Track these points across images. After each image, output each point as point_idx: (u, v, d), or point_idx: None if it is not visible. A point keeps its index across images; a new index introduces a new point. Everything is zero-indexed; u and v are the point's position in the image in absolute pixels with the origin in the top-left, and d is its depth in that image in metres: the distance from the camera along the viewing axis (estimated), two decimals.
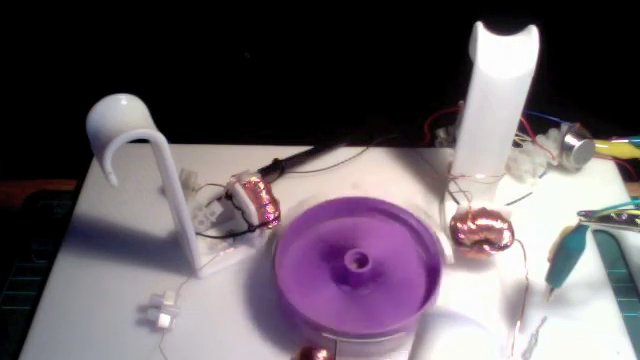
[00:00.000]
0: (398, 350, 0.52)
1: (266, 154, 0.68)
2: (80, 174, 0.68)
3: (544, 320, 0.55)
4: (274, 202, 0.58)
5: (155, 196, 0.65)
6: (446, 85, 0.66)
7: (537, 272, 0.53)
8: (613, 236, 0.65)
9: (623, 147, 0.69)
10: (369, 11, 0.72)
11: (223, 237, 0.60)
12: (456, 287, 0.57)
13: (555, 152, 0.67)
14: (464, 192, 0.59)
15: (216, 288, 0.57)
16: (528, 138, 0.67)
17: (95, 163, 0.68)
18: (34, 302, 0.57)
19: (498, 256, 0.58)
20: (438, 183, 0.67)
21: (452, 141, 0.67)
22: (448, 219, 0.59)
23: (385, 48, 0.75)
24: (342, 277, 0.55)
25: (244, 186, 0.58)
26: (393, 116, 0.75)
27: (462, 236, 0.56)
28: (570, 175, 0.69)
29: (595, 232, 0.64)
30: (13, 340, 0.55)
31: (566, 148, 0.66)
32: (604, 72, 0.74)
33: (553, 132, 0.68)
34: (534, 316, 0.55)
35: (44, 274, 0.59)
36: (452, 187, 0.61)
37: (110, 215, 0.63)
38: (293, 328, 0.53)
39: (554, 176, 0.68)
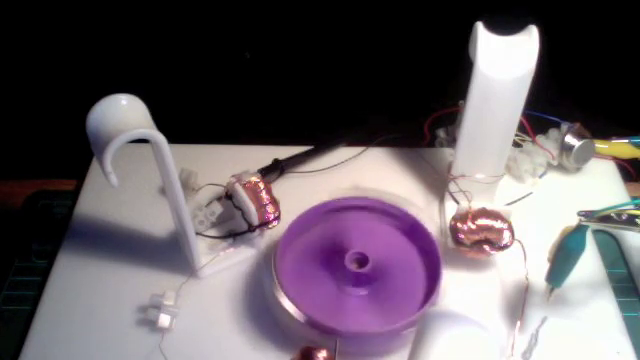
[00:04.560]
0: (398, 350, 0.52)
1: (266, 154, 0.68)
2: (80, 174, 0.68)
3: (544, 320, 0.55)
4: (274, 202, 0.58)
5: (155, 196, 0.65)
6: (446, 85, 0.66)
7: (537, 272, 0.53)
8: (613, 236, 0.65)
9: (623, 147, 0.69)
10: (369, 11, 0.72)
11: (223, 237, 0.60)
12: (456, 287, 0.57)
13: (555, 152, 0.67)
14: (464, 192, 0.59)
15: (216, 288, 0.57)
16: (528, 138, 0.67)
17: (95, 163, 0.68)
18: (34, 302, 0.57)
19: (498, 256, 0.58)
20: (438, 183, 0.67)
21: (452, 141, 0.67)
22: (448, 219, 0.59)
23: (385, 48, 0.75)
24: (342, 277, 0.55)
25: (244, 186, 0.58)
26: (393, 116, 0.75)
27: (462, 236, 0.56)
28: (570, 175, 0.69)
29: (595, 232, 0.64)
30: (13, 340, 0.55)
31: (566, 148, 0.66)
32: (604, 72, 0.74)
33: (553, 132, 0.68)
34: (534, 316, 0.55)
35: (44, 274, 0.59)
36: (452, 187, 0.61)
37: (110, 215, 0.63)
38: (293, 328, 0.53)
39: (554, 176, 0.68)
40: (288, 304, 0.52)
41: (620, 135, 0.69)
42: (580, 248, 0.49)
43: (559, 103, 0.68)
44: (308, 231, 0.59)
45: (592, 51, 0.73)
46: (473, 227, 0.56)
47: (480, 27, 0.53)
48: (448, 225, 0.58)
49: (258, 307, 0.56)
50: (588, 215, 0.48)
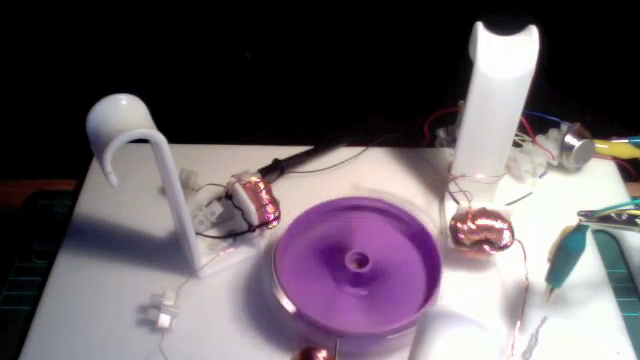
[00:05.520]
0: (398, 350, 0.52)
1: (266, 154, 0.68)
2: (80, 174, 0.68)
3: (544, 320, 0.55)
4: (274, 202, 0.58)
5: (155, 196, 0.65)
6: (446, 85, 0.66)
7: (537, 272, 0.53)
8: (613, 236, 0.65)
9: (623, 147, 0.69)
10: (369, 11, 0.72)
11: (223, 237, 0.60)
12: (456, 287, 0.57)
13: (555, 152, 0.67)
14: (464, 192, 0.59)
15: (216, 288, 0.57)
16: (528, 138, 0.67)
17: (95, 163, 0.68)
18: (34, 302, 0.57)
19: (498, 256, 0.58)
20: (438, 183, 0.67)
21: (452, 141, 0.67)
22: (448, 219, 0.59)
23: (385, 48, 0.75)
24: (342, 277, 0.55)
25: (244, 186, 0.58)
26: (393, 116, 0.75)
27: (462, 236, 0.56)
28: (570, 175, 0.69)
29: (595, 232, 0.64)
30: (13, 340, 0.55)
31: (566, 148, 0.66)
32: (604, 72, 0.74)
33: (553, 132, 0.68)
34: (534, 316, 0.55)
35: (44, 274, 0.59)
36: (452, 187, 0.61)
37: (110, 215, 0.63)
38: (293, 328, 0.53)
39: (554, 176, 0.68)
40: (288, 304, 0.52)
41: (620, 135, 0.69)
42: (580, 248, 0.49)
43: (559, 103, 0.68)
44: (308, 231, 0.59)
45: (592, 51, 0.73)
46: (473, 227, 0.56)
47: (480, 27, 0.53)
48: (448, 225, 0.58)
49: (258, 307, 0.56)
50: (588, 215, 0.48)
